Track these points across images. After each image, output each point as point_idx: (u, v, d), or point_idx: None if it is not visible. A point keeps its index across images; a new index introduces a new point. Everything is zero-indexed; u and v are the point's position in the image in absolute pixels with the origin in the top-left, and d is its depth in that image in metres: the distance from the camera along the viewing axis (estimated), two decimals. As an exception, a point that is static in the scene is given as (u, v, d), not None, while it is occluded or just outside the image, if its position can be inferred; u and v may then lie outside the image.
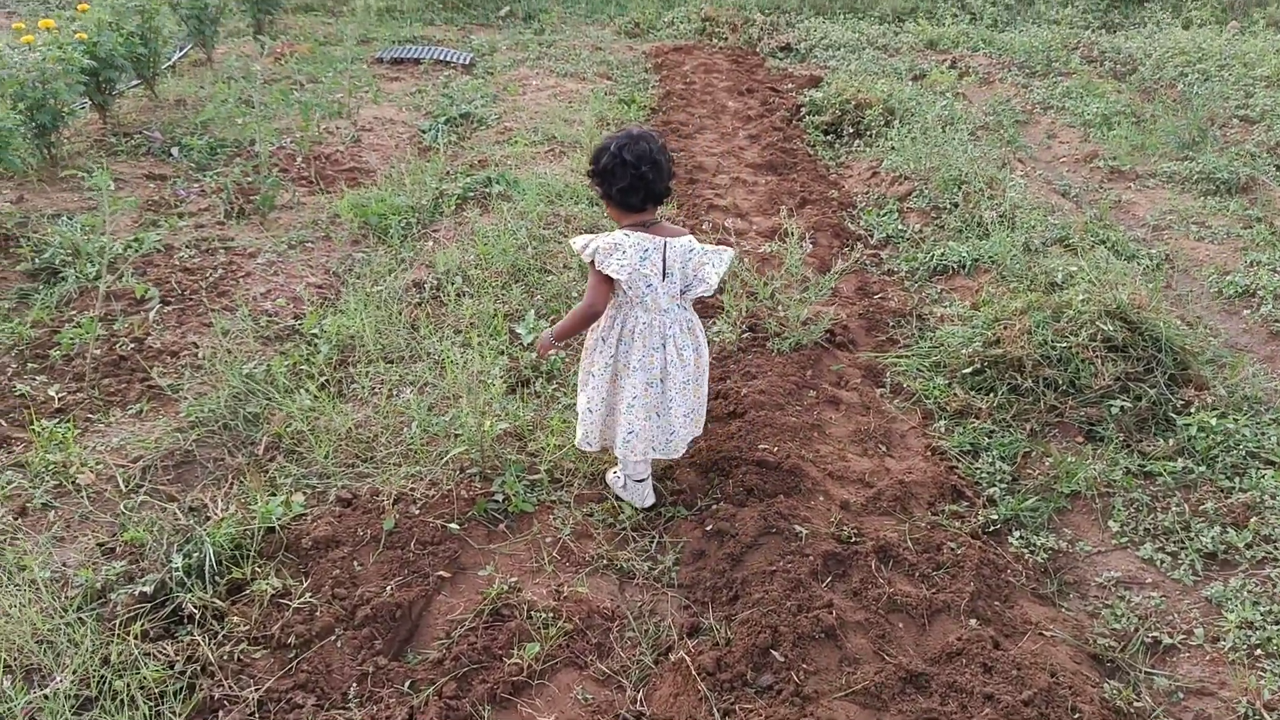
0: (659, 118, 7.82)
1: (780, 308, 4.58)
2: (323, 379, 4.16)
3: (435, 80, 8.88)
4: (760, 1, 11.45)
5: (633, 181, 3.14)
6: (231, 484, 3.56)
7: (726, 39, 10.32)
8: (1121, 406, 3.92)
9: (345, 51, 9.43)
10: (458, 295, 4.82)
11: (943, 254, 5.38)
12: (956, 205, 5.94)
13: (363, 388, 4.11)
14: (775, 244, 5.52)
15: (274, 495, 3.44)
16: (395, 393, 4.07)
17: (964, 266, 5.27)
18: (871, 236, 5.88)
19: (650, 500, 3.56)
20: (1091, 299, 4.27)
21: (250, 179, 6.06)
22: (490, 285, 4.89)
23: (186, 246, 5.30)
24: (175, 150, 6.69)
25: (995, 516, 3.51)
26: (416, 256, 5.31)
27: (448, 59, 9.39)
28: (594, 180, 3.25)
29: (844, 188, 6.66)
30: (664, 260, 3.22)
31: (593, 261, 3.23)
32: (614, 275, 3.18)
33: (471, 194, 6.10)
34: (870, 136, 7.33)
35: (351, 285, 5.02)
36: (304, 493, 3.50)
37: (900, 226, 5.94)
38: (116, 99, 7.21)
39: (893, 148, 6.94)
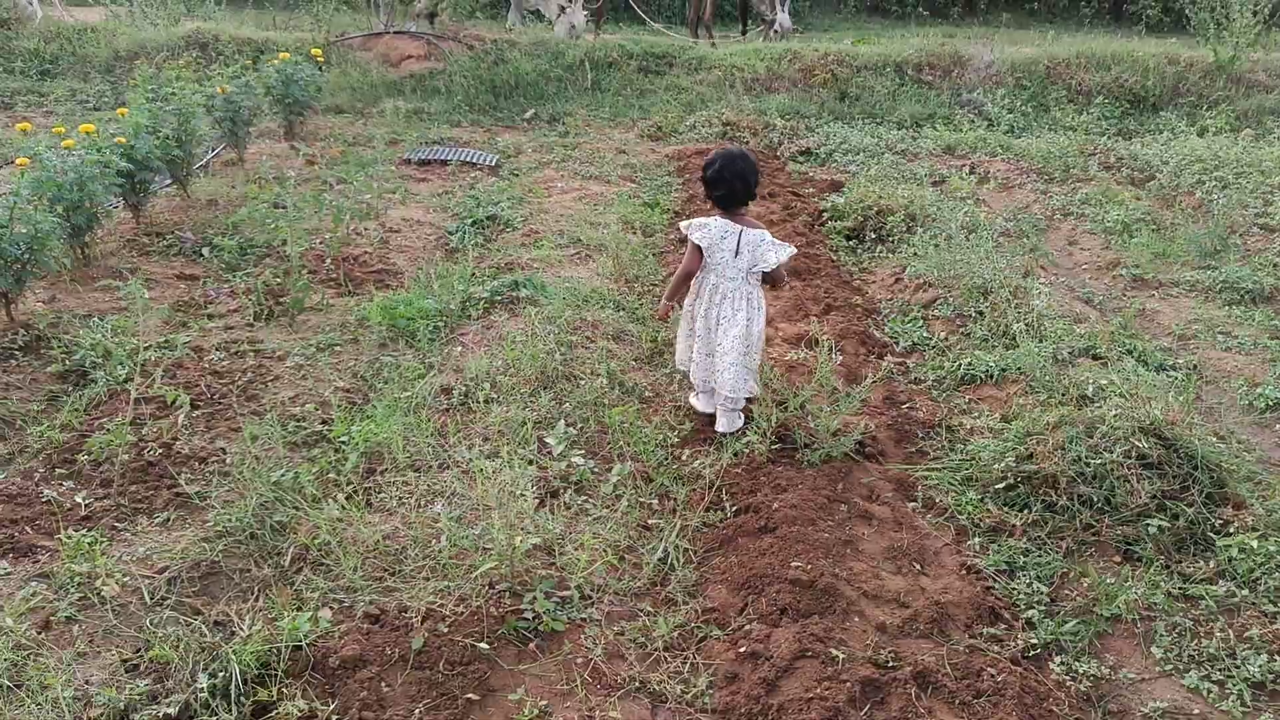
0: (683, 220, 7.91)
1: (810, 418, 4.56)
2: (351, 488, 4.13)
3: (462, 181, 9.03)
4: (780, 106, 11.68)
5: (727, 190, 4.52)
6: (258, 597, 3.52)
7: (747, 143, 10.49)
8: (1159, 526, 3.86)
9: (374, 153, 9.62)
10: (486, 402, 4.82)
11: (970, 363, 5.37)
12: (982, 314, 5.95)
13: (390, 498, 4.09)
14: (801, 351, 5.52)
15: (300, 610, 3.40)
16: (424, 504, 4.04)
17: (992, 376, 5.25)
18: (897, 344, 5.88)
19: (706, 410, 4.87)
20: (1124, 414, 4.24)
21: (280, 281, 6.13)
22: (519, 392, 4.89)
23: (216, 349, 5.34)
24: (206, 250, 6.78)
25: (1035, 641, 3.43)
26: (445, 361, 5.33)
27: (474, 160, 9.57)
28: (703, 183, 4.65)
29: (868, 294, 6.69)
30: (738, 243, 4.49)
31: (688, 235, 4.59)
32: (697, 241, 4.53)
33: (499, 298, 6.14)
34: (893, 242, 7.39)
35: (380, 390, 5.03)
36: (331, 608, 3.45)
37: (926, 334, 5.94)
38: (150, 199, 7.34)
39: (915, 254, 6.98)
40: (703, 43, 14.88)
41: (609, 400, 4.87)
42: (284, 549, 3.78)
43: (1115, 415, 4.24)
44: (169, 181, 7.85)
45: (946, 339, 5.84)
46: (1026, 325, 5.65)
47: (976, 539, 3.99)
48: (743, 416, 4.74)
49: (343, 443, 4.48)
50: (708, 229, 4.52)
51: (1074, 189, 8.88)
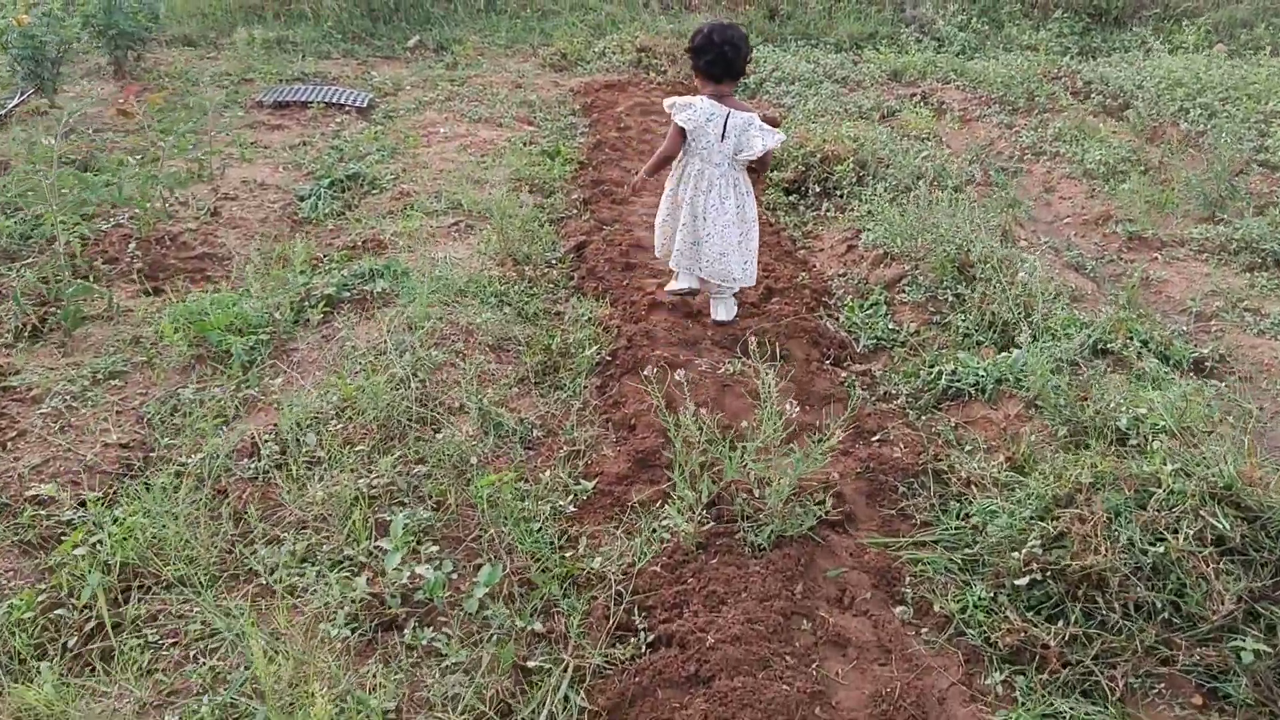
0: (588, 174, 6.55)
1: (752, 478, 3.32)
2: (90, 627, 2.81)
3: (325, 128, 7.52)
4: (702, 27, 10.23)
5: (716, 57, 4.19)
6: None
7: (665, 72, 9.07)
8: (1255, 650, 2.71)
9: (219, 95, 8.03)
10: (310, 464, 3.49)
11: (954, 371, 4.17)
12: (961, 297, 4.73)
13: (145, 646, 2.77)
14: (737, 361, 4.26)
15: None
16: (196, 657, 2.73)
17: (983, 390, 4.05)
18: (857, 341, 4.65)
19: (694, 285, 4.59)
20: (1184, 470, 3.07)
21: (54, 282, 4.67)
22: (355, 448, 3.56)
23: (-54, 390, 3.92)
24: (-24, 235, 5.26)
25: None
26: (263, 395, 3.97)
27: (341, 101, 8.03)
28: (689, 54, 4.34)
29: (814, 267, 5.42)
30: (725, 126, 4.25)
31: (671, 114, 4.31)
32: (681, 124, 4.24)
33: (348, 293, 4.77)
34: (841, 197, 6.12)
35: (165, 446, 3.66)
36: None
37: (891, 326, 4.71)
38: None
39: (870, 213, 5.73)
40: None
41: (479, 455, 3.57)
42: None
43: (1173, 472, 3.06)
44: (-57, 141, 6.25)
45: (918, 332, 4.62)
46: (1021, 314, 4.44)
47: (996, 673, 2.80)
48: (737, 304, 4.64)
49: (94, 544, 3.12)
50: (693, 109, 4.25)
51: (1043, 121, 7.65)
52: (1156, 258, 5.55)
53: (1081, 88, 8.48)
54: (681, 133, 4.31)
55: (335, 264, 5.09)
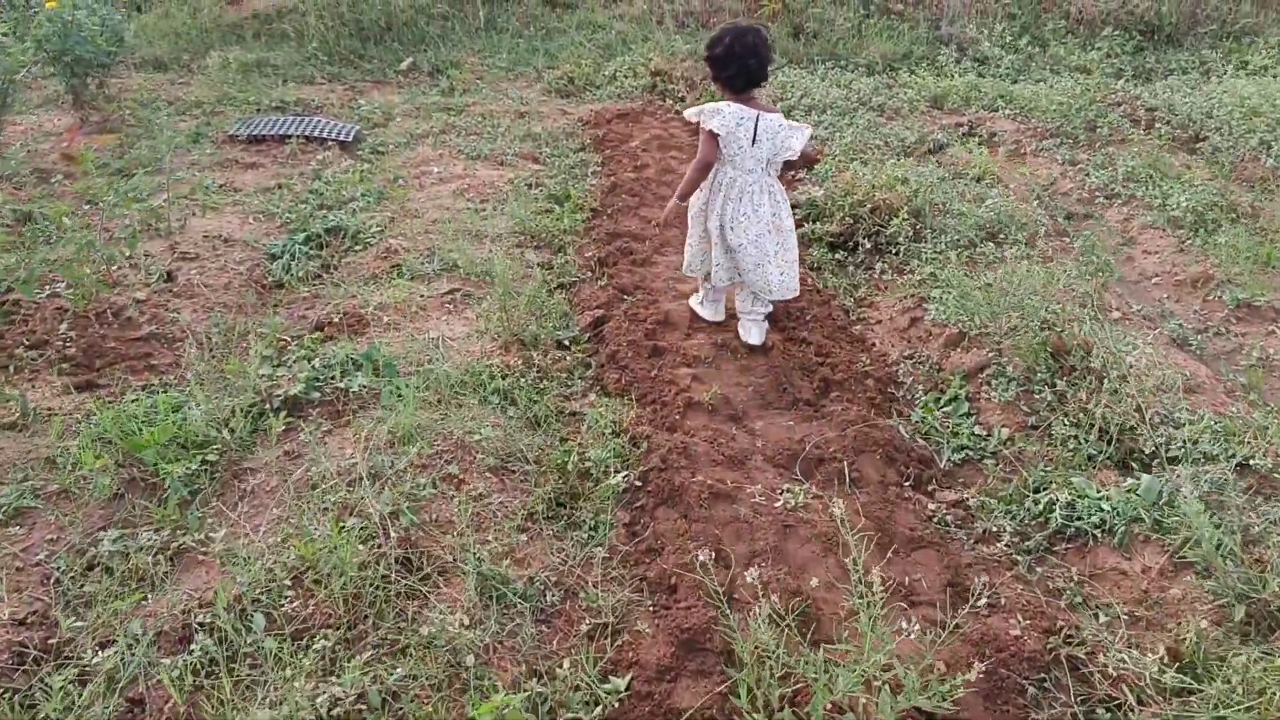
0: (603, 225, 5.71)
1: (841, 693, 2.48)
2: None
3: (304, 166, 6.69)
4: (719, 46, 9.40)
5: (739, 69, 4.06)
6: None
7: (683, 98, 8.23)
8: None
9: (190, 127, 7.20)
10: (252, 664, 2.66)
11: (1069, 502, 3.33)
12: (1061, 395, 3.91)
13: None
14: (796, 489, 3.42)
15: None
16: None
17: (1110, 530, 3.23)
18: (939, 453, 3.81)
19: (720, 318, 4.56)
20: None
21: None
22: (314, 643, 2.72)
23: None
24: (-117, 311, 4.44)
25: None
26: (204, 547, 3.13)
27: (324, 134, 7.20)
28: (709, 63, 4.19)
29: (874, 346, 4.60)
30: (755, 129, 4.08)
31: (700, 122, 4.12)
32: (714, 129, 4.07)
33: (318, 390, 3.94)
34: (896, 254, 5.29)
35: (70, 630, 2.83)
36: None
37: (979, 433, 3.88)
38: None
39: (934, 276, 4.91)
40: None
41: (476, 650, 2.72)
42: None
43: None
44: None
45: (1012, 440, 3.79)
46: (1143, 421, 3.61)
47: None
48: (768, 326, 4.49)
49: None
50: (722, 115, 4.07)
51: (1109, 157, 6.81)
52: (1274, 331, 4.72)
53: (1144, 116, 7.65)
54: (715, 137, 4.10)
55: (306, 349, 4.26)
